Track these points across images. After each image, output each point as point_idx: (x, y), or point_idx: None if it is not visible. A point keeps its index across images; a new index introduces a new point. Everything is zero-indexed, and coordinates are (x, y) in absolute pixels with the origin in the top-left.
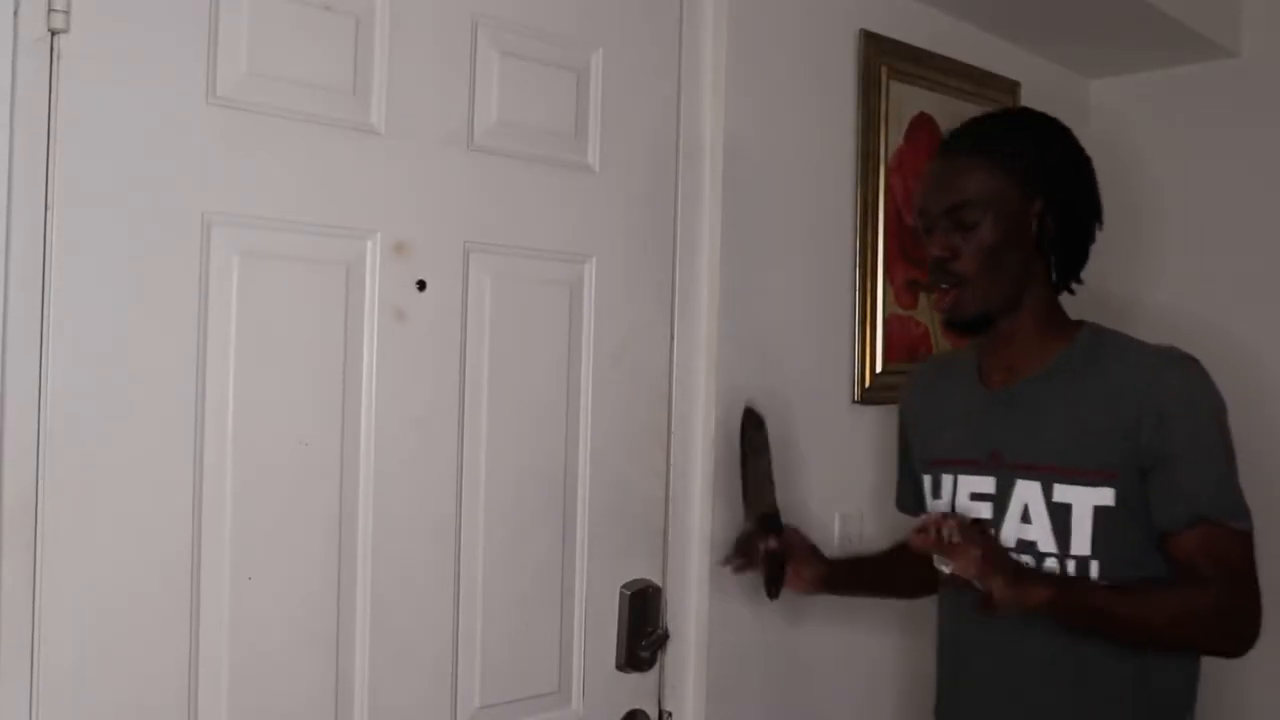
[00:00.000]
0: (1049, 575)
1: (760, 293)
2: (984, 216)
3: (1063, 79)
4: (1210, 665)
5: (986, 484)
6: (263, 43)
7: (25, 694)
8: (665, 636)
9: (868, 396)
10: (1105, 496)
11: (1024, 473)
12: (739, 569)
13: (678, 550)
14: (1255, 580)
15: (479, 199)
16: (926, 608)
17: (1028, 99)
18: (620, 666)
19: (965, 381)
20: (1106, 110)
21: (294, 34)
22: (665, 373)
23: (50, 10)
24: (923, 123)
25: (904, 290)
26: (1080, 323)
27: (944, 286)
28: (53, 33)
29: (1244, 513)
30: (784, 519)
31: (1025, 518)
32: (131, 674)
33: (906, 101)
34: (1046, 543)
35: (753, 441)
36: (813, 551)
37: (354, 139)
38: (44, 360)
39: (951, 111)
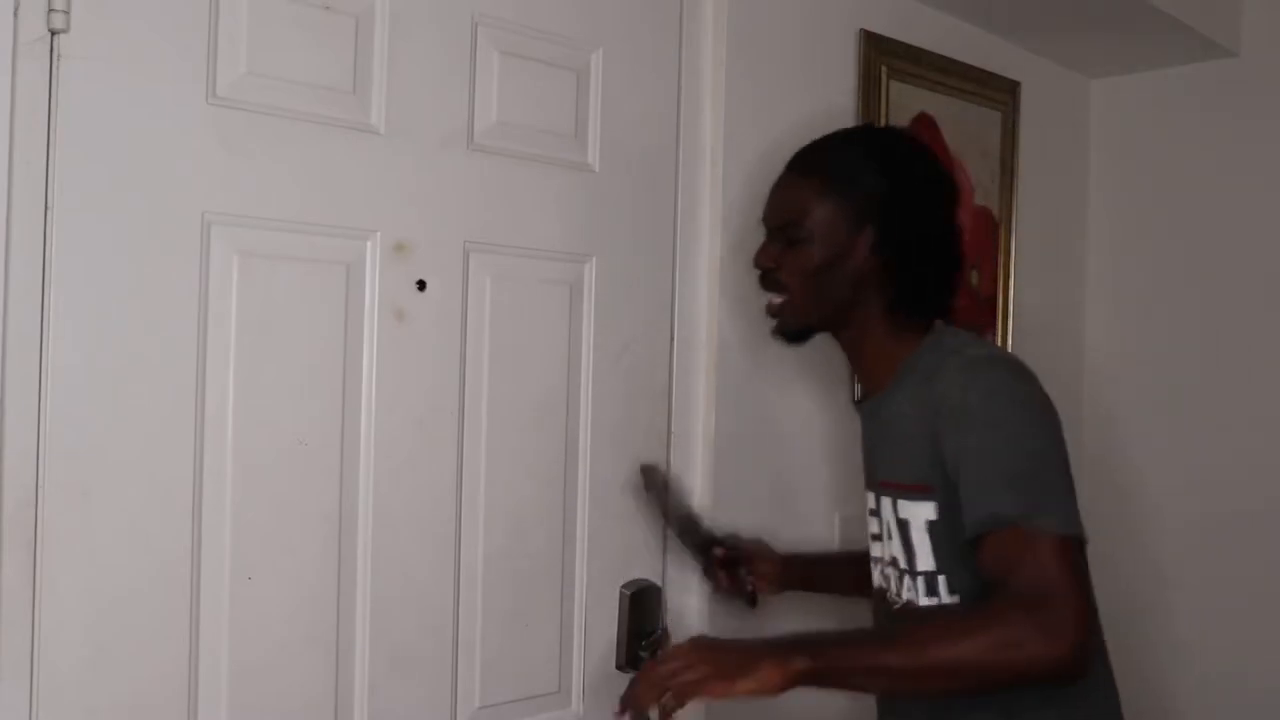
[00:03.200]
0: (804, 643)
1: (760, 292)
2: (810, 239)
3: (1063, 79)
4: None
5: (871, 500)
6: (262, 43)
7: (25, 694)
8: (665, 636)
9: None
10: (929, 510)
11: (882, 489)
12: (722, 594)
13: (678, 550)
14: (1072, 593)
15: (479, 199)
16: None
17: (1028, 99)
18: (620, 666)
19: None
20: (1106, 110)
21: (293, 34)
22: (665, 373)
23: (50, 10)
24: (923, 123)
25: None
26: (928, 327)
27: (767, 294)
28: (53, 33)
29: (1054, 515)
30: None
31: (890, 534)
32: (131, 673)
33: (906, 101)
34: (903, 559)
35: (659, 495)
36: (762, 547)
37: (354, 139)
38: (44, 360)
39: (951, 112)
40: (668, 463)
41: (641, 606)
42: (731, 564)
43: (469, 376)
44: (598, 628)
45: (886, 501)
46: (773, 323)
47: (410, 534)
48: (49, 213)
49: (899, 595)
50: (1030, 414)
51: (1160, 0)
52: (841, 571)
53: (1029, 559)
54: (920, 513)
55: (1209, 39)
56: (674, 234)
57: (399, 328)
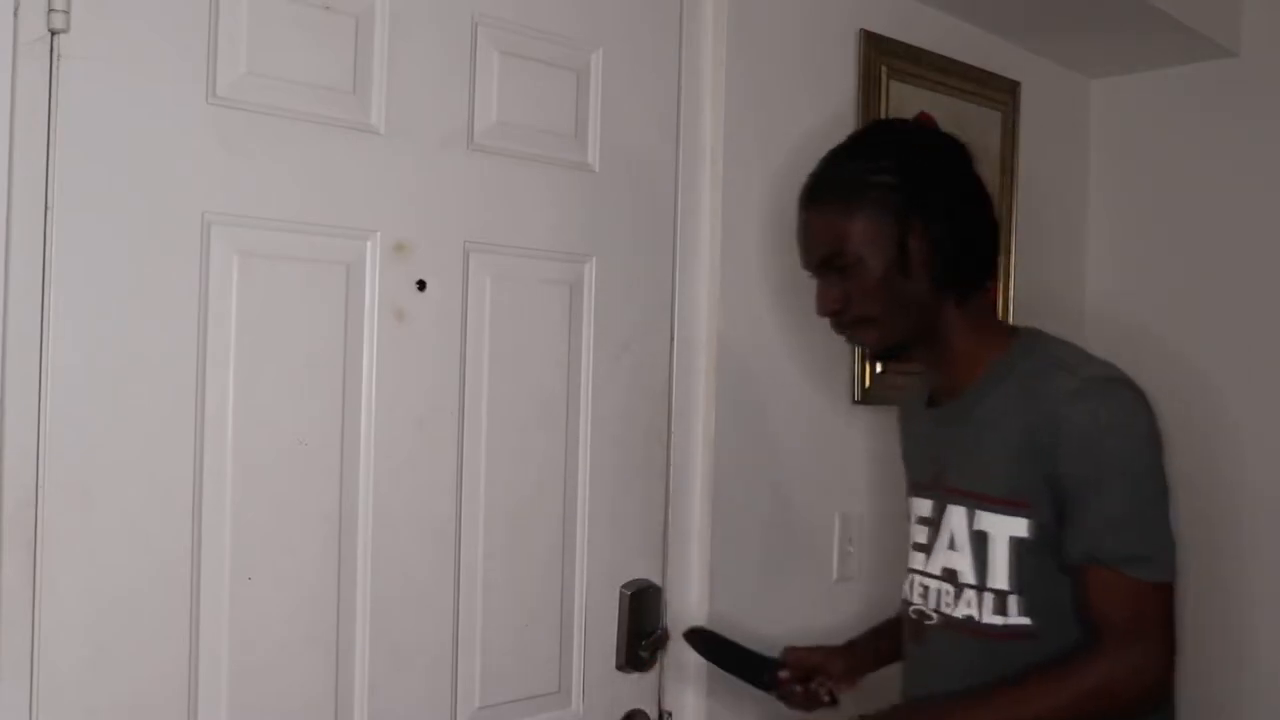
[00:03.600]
0: (924, 710)
1: (760, 292)
2: (857, 260)
3: (1063, 79)
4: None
5: (927, 507)
6: (262, 43)
7: (25, 694)
8: (665, 636)
9: (867, 397)
10: (1020, 527)
11: (954, 497)
12: (801, 707)
13: (678, 550)
14: (1159, 637)
15: (479, 199)
16: None
17: (1028, 99)
18: (620, 666)
19: (920, 402)
20: (1106, 110)
21: (293, 34)
22: (665, 373)
23: (50, 10)
24: (923, 123)
25: None
26: (1017, 331)
27: (842, 331)
28: (53, 33)
29: (1152, 560)
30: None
31: (952, 544)
32: (131, 673)
33: (906, 101)
34: (967, 573)
35: (713, 652)
36: (823, 654)
37: (354, 139)
38: (44, 360)
39: (951, 112)
40: (668, 463)
41: (641, 606)
42: (802, 679)
43: (469, 376)
44: (598, 628)
45: (958, 511)
46: (867, 351)
47: (410, 534)
48: (49, 213)
49: (950, 609)
50: (1149, 450)
51: (1160, 0)
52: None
53: (1127, 605)
54: (1007, 528)
55: (1209, 39)
56: (674, 234)
57: (399, 328)
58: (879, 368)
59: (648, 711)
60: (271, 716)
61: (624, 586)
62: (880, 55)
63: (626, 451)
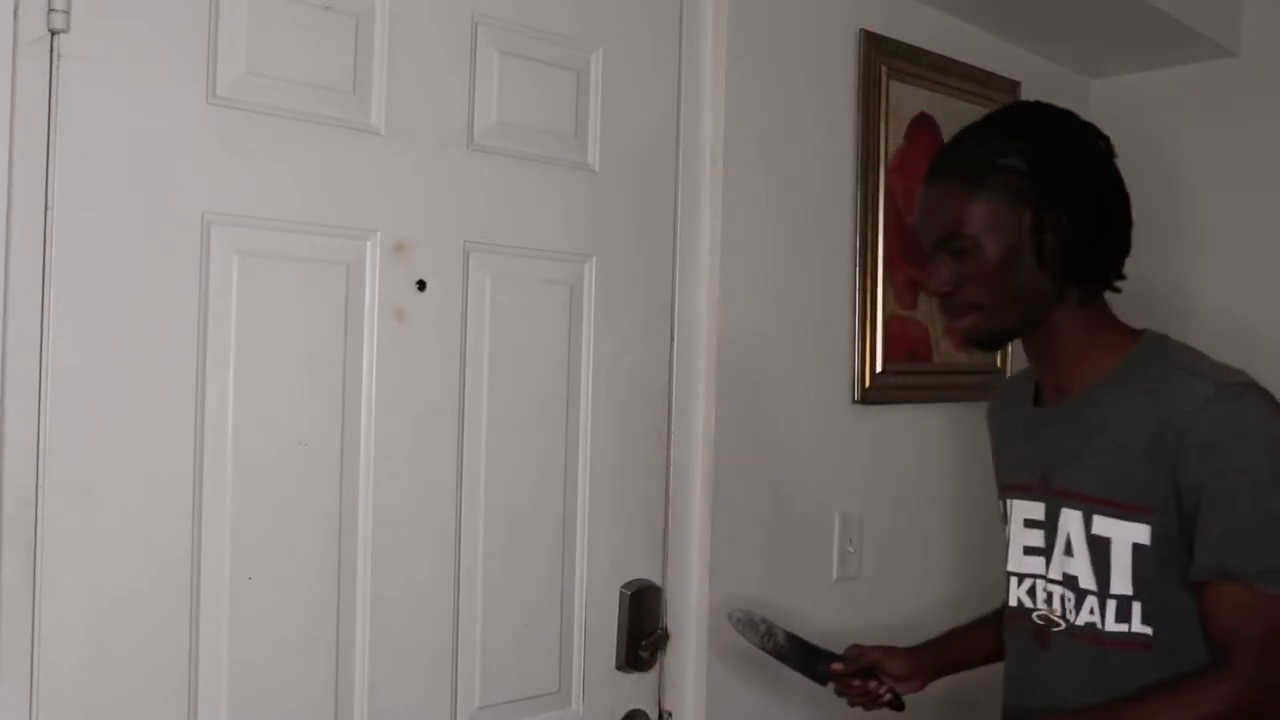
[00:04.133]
0: None
1: (760, 292)
2: (975, 244)
3: (1063, 79)
4: None
5: (1037, 510)
6: (262, 43)
7: (25, 694)
8: (665, 636)
9: (868, 397)
10: (1141, 534)
11: (1068, 501)
12: (860, 703)
13: (678, 550)
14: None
15: (479, 199)
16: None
17: (1028, 99)
18: (620, 666)
19: (1024, 400)
20: (1106, 110)
21: (293, 34)
22: (665, 373)
23: (50, 10)
24: (923, 123)
25: (904, 290)
26: (1140, 333)
27: (951, 321)
28: (53, 33)
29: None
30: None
31: (1068, 549)
32: (131, 673)
33: (906, 101)
34: (1087, 579)
35: (762, 638)
36: (883, 652)
37: (354, 139)
38: (44, 360)
39: (951, 111)
40: (668, 463)
41: (641, 606)
42: (862, 674)
43: (469, 376)
44: (598, 628)
45: (1073, 515)
46: (963, 336)
47: (410, 534)
48: (49, 213)
49: (1071, 617)
50: (1268, 454)
51: (1160, 0)
52: (980, 641)
53: (1260, 621)
54: (1129, 534)
55: (1209, 39)
56: (674, 234)
57: (399, 328)
58: (879, 367)
59: (648, 711)
60: (271, 716)
61: (624, 586)
62: (880, 55)
63: (626, 451)
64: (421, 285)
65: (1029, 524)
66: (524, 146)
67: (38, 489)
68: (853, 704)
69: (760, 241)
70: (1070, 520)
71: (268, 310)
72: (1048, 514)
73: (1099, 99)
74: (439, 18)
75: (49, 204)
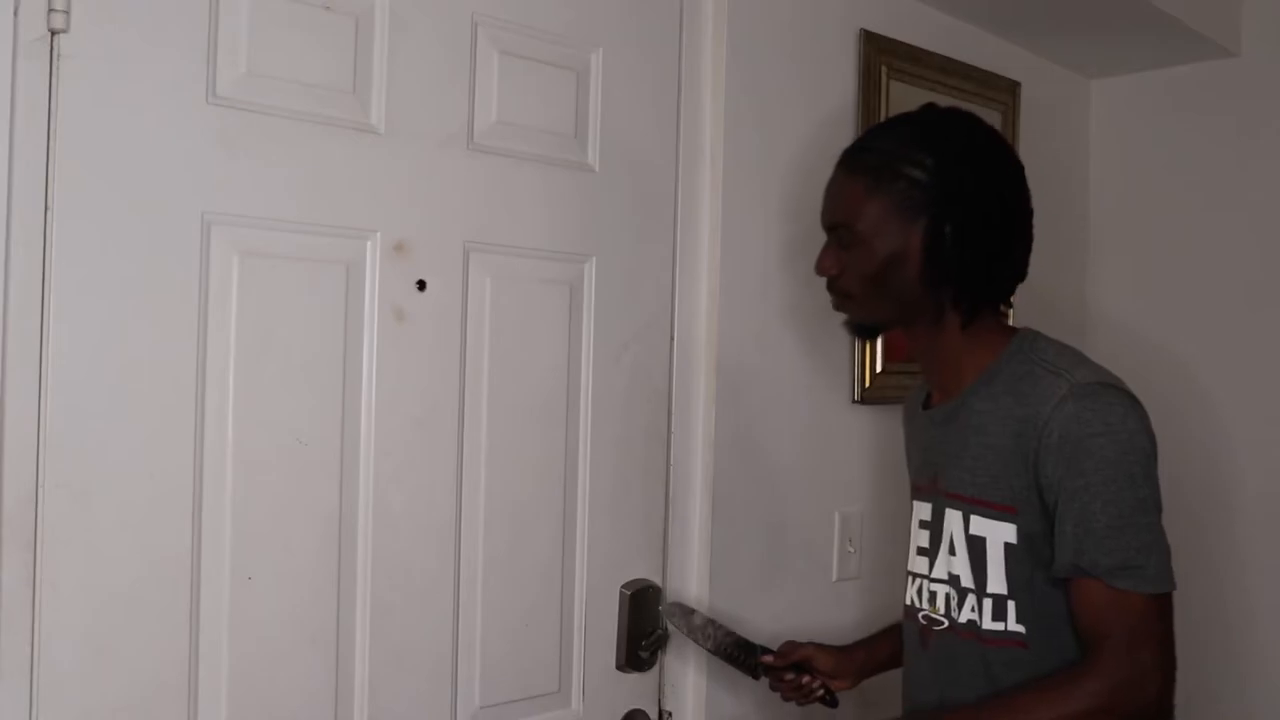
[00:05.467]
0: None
1: (760, 292)
2: (861, 241)
3: (1063, 79)
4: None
5: (926, 511)
6: (262, 43)
7: (25, 693)
8: (665, 636)
9: (867, 396)
10: (1009, 533)
11: (951, 501)
12: (793, 700)
13: (678, 550)
14: (1154, 650)
15: (479, 199)
16: None
17: (1028, 99)
18: (620, 666)
19: (919, 403)
20: (1106, 110)
21: (293, 34)
22: (665, 373)
23: (50, 10)
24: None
25: None
26: (1014, 332)
27: (832, 298)
28: (53, 33)
29: (1142, 571)
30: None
31: (952, 549)
32: (131, 673)
33: (906, 101)
34: (967, 578)
35: (690, 626)
36: (813, 648)
37: (354, 139)
38: (44, 360)
39: None
40: (668, 463)
41: (641, 606)
42: (795, 669)
43: (469, 376)
44: (598, 628)
45: (954, 515)
46: (844, 317)
47: (410, 534)
48: (49, 213)
49: (954, 615)
50: (1139, 457)
51: (1160, 0)
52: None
53: (1120, 618)
54: (1000, 533)
55: (1209, 39)
56: (674, 234)
57: (399, 328)
58: (879, 367)
59: (648, 711)
60: (271, 716)
61: (624, 586)
62: (880, 55)
63: (626, 451)
64: (421, 285)
65: (921, 525)
66: (524, 146)
67: (38, 489)
68: (785, 699)
69: (760, 241)
70: (953, 520)
71: (268, 310)
72: (934, 514)
73: (1099, 99)
74: (439, 18)
75: (49, 204)
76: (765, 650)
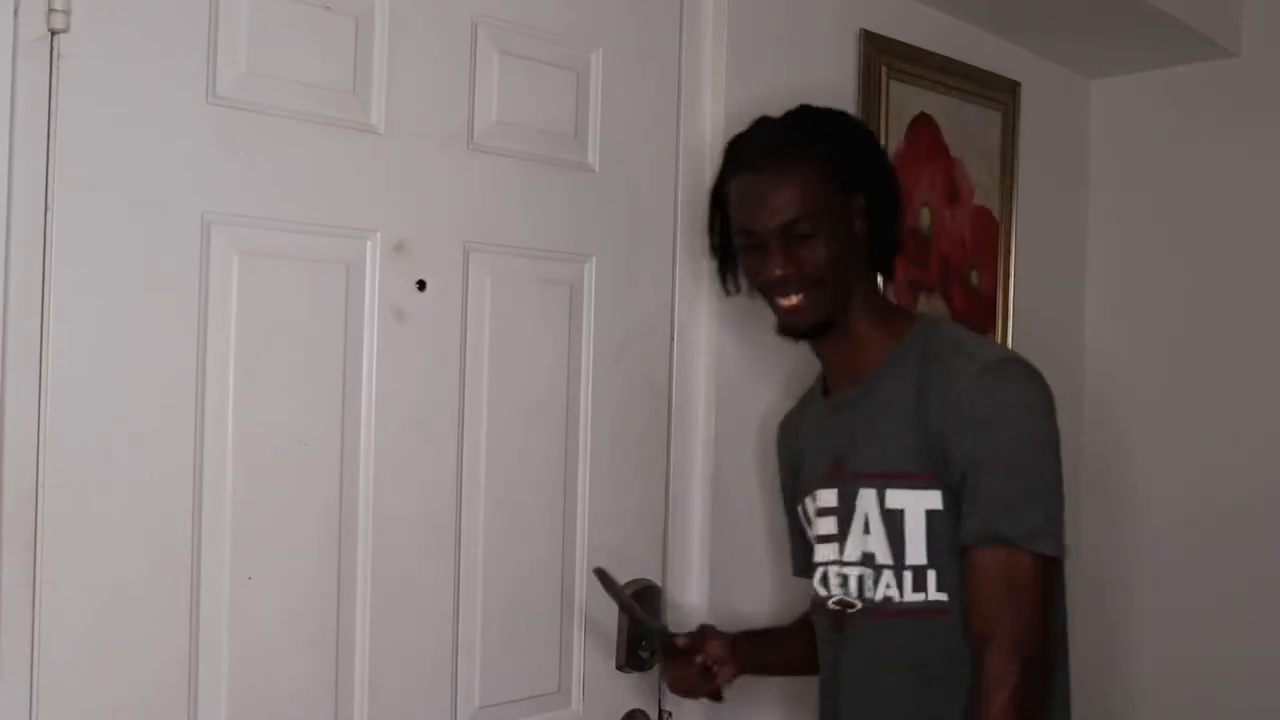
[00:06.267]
0: None
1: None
2: (818, 227)
3: (1063, 79)
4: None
5: (830, 497)
6: (262, 43)
7: (25, 692)
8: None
9: None
10: (935, 500)
11: (861, 481)
12: (685, 689)
13: (678, 550)
14: (1039, 611)
15: (479, 199)
16: None
17: (1028, 99)
18: (620, 666)
19: (814, 401)
20: (1106, 110)
21: (294, 34)
22: (665, 373)
23: (50, 10)
24: (923, 123)
25: (904, 290)
26: (911, 317)
27: (790, 295)
28: (53, 33)
29: (1047, 536)
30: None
31: (866, 528)
32: (131, 673)
33: (906, 101)
34: (884, 554)
35: (617, 592)
36: (713, 631)
37: (354, 139)
38: (44, 360)
39: (951, 111)
40: (668, 463)
41: (641, 606)
42: (692, 650)
43: (469, 376)
44: (598, 628)
45: (867, 493)
46: (785, 322)
47: (410, 534)
48: (49, 212)
49: (870, 594)
50: (1043, 428)
51: (1160, 0)
52: (795, 650)
53: (1020, 580)
54: (921, 502)
55: (1209, 39)
56: (674, 234)
57: (399, 328)
58: None
59: (648, 711)
60: (271, 716)
61: (624, 586)
62: (880, 55)
63: (626, 451)
64: (421, 285)
65: (822, 512)
66: (524, 146)
67: (38, 489)
68: (674, 688)
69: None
70: (865, 499)
71: (268, 310)
72: (842, 498)
73: (1099, 99)
74: (439, 17)
75: (49, 204)
76: (668, 630)
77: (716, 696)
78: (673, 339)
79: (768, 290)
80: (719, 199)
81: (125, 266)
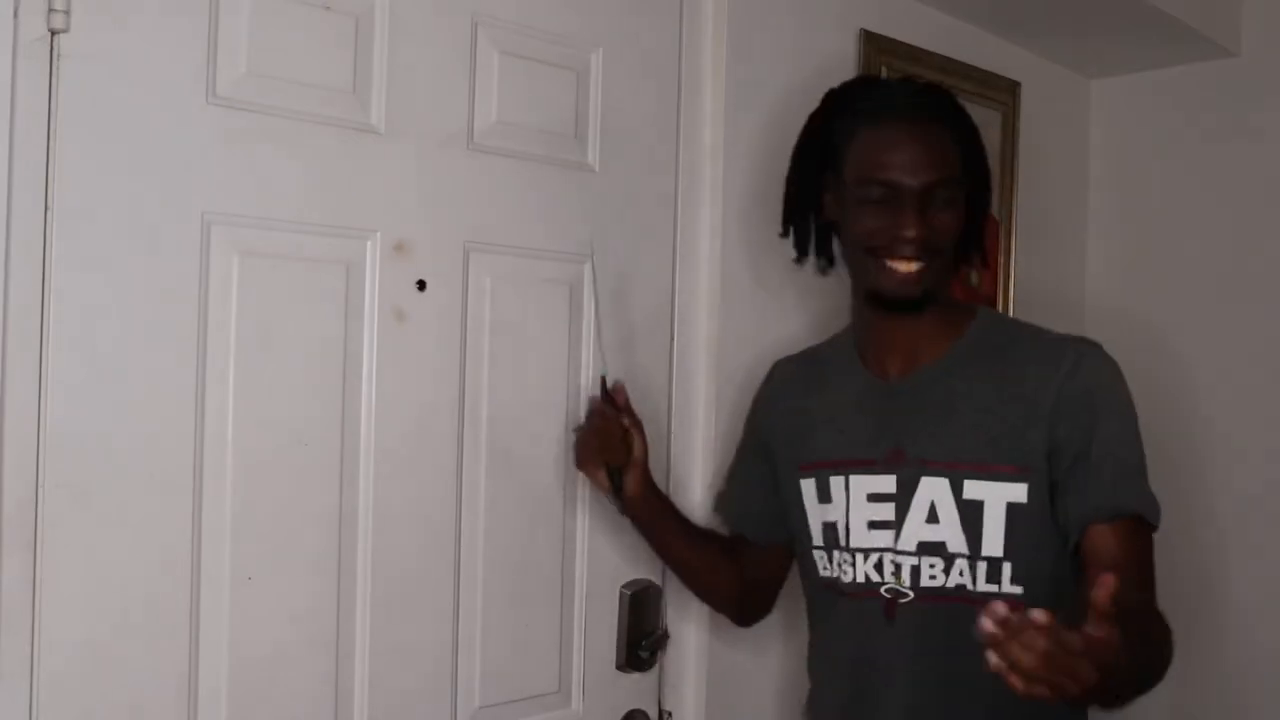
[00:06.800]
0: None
1: (760, 292)
2: (955, 196)
3: (1063, 79)
4: None
5: (886, 483)
6: (263, 42)
7: (25, 694)
8: (665, 636)
9: None
10: (1018, 493)
11: (931, 469)
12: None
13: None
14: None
15: (479, 199)
16: None
17: (1028, 99)
18: (620, 666)
19: (847, 374)
20: (1106, 110)
21: (294, 34)
22: (665, 373)
23: (50, 10)
24: None
25: None
26: (973, 308)
27: (911, 260)
28: (53, 33)
29: (1157, 510)
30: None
31: (932, 517)
32: (131, 674)
33: None
34: (956, 543)
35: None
36: (643, 459)
37: (354, 139)
38: (44, 360)
39: None
40: (668, 462)
41: (641, 606)
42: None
43: (469, 376)
44: (598, 628)
45: (937, 482)
46: (893, 289)
47: (410, 534)
48: (49, 213)
49: (938, 581)
50: (1133, 405)
51: (1160, 0)
52: (697, 540)
53: (1144, 554)
54: (1004, 494)
55: (1209, 39)
56: (674, 234)
57: (399, 328)
58: None
59: (648, 711)
60: (271, 716)
61: (624, 586)
62: (880, 55)
63: None
64: (421, 285)
65: (875, 498)
66: (524, 146)
67: (38, 489)
68: (581, 445)
69: (760, 241)
70: (934, 488)
71: (268, 310)
72: (901, 485)
73: (1099, 99)
74: (439, 18)
75: (49, 204)
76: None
77: (617, 488)
78: (673, 339)
79: (884, 251)
80: (817, 151)
81: (125, 266)
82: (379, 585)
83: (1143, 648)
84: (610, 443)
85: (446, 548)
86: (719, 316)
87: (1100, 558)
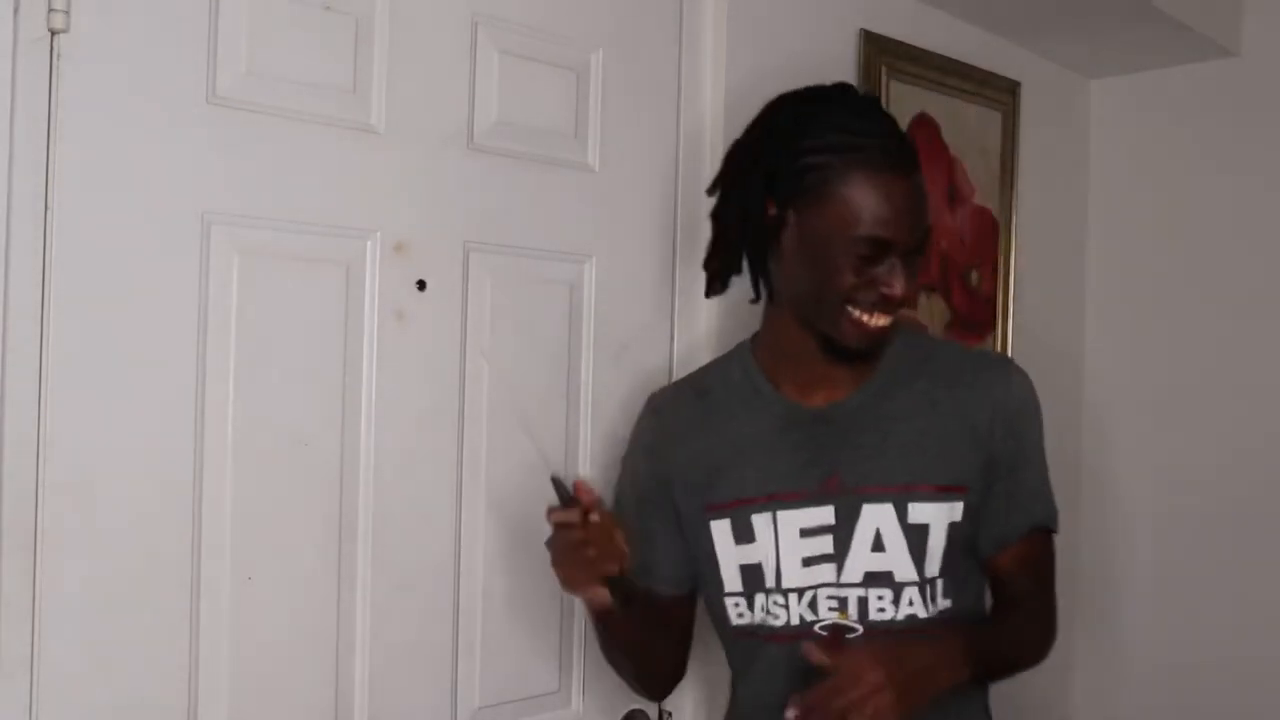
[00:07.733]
0: (939, 646)
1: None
2: (927, 244)
3: (1063, 79)
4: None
5: (822, 515)
6: (262, 43)
7: (25, 692)
8: None
9: None
10: (956, 511)
11: (872, 495)
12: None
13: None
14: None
15: (479, 199)
16: None
17: (1028, 99)
18: None
19: (756, 403)
20: (1106, 110)
21: (294, 34)
22: (665, 373)
23: (50, 10)
24: (923, 123)
25: None
26: None
27: (886, 315)
28: (53, 33)
29: (1057, 513)
30: None
31: (878, 545)
32: (131, 674)
33: (906, 101)
34: (905, 570)
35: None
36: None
37: (354, 139)
38: (44, 360)
39: (951, 111)
40: None
41: None
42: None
43: (469, 376)
44: None
45: (879, 509)
46: (861, 343)
47: (410, 534)
48: (49, 212)
49: (888, 613)
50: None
51: (1160, 0)
52: (650, 623)
53: (1048, 565)
54: (947, 514)
55: (1209, 39)
56: (674, 234)
57: (399, 328)
58: None
59: (648, 712)
60: (272, 716)
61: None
62: (880, 55)
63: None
64: (421, 285)
65: (808, 533)
66: (524, 146)
67: (38, 488)
68: (559, 559)
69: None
70: (877, 515)
71: (268, 310)
72: (840, 515)
73: (1099, 99)
74: (439, 17)
75: (49, 204)
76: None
77: (623, 598)
78: (673, 339)
79: (864, 305)
80: (763, 173)
81: (125, 266)
82: (379, 585)
83: (1013, 640)
84: (604, 551)
85: (446, 548)
86: (719, 316)
87: (1010, 570)
